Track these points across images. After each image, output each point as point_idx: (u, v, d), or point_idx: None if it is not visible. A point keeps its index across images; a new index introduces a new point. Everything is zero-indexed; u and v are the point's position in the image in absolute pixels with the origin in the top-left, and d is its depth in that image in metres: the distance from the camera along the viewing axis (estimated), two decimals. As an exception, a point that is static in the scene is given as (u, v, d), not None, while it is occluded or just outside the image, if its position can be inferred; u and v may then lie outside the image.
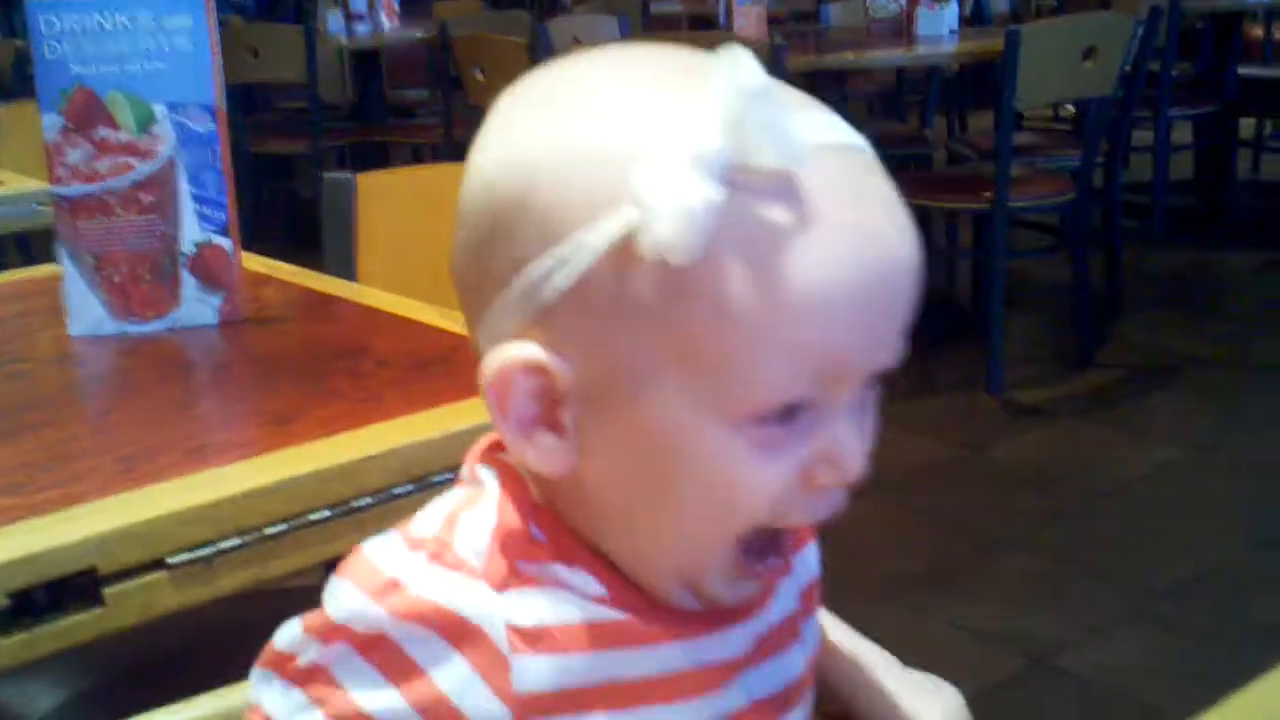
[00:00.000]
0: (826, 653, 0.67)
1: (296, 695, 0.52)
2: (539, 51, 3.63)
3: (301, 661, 0.53)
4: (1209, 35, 4.84)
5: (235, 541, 0.83)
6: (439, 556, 0.53)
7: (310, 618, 0.53)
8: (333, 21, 4.94)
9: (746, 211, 0.47)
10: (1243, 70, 4.69)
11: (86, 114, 1.20)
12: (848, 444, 0.51)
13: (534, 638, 0.52)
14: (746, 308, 0.47)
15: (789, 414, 0.49)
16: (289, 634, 0.54)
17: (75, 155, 1.20)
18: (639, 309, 0.48)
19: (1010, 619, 2.18)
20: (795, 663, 0.60)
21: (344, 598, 0.53)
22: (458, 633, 0.51)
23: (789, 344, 0.48)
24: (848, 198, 0.49)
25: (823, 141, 0.49)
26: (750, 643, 0.58)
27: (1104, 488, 2.72)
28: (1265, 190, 5.17)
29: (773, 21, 4.38)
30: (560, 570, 0.54)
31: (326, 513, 0.87)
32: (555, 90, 0.53)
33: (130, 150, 1.21)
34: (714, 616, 0.56)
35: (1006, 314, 3.22)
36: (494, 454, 0.58)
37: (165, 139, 1.21)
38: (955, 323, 3.71)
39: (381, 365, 1.13)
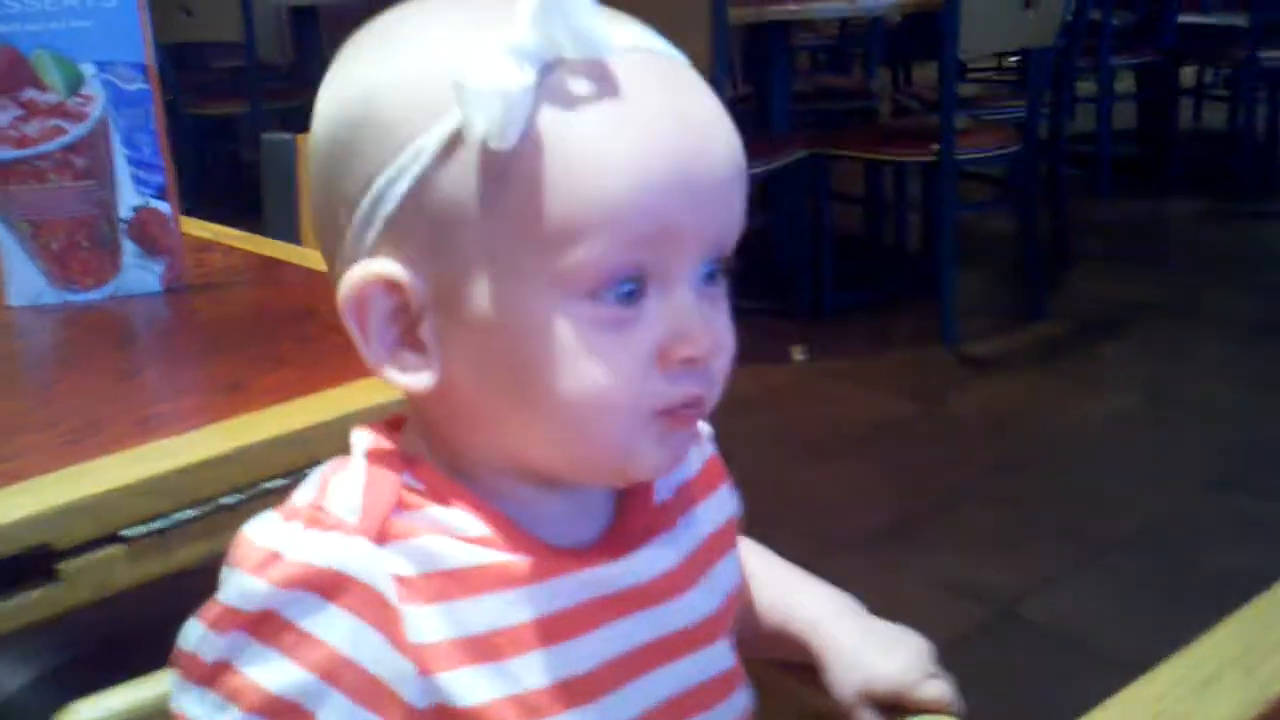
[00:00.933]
0: (788, 610, 0.66)
1: (211, 697, 0.51)
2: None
3: (207, 659, 0.51)
4: (1149, -17, 4.87)
5: (190, 513, 0.81)
6: (315, 521, 0.52)
7: (205, 609, 0.52)
8: (268, -20, 4.83)
9: (561, 94, 0.49)
10: (1182, 18, 4.72)
11: (12, 75, 1.15)
12: (692, 317, 0.52)
13: (420, 587, 0.51)
14: (567, 184, 0.49)
15: (631, 294, 0.51)
16: (191, 632, 0.52)
17: (3, 119, 1.16)
18: (471, 202, 0.49)
19: (971, 570, 2.20)
20: (701, 602, 0.59)
21: (229, 581, 0.51)
22: (333, 587, 0.50)
23: (612, 213, 0.49)
24: (660, 86, 0.51)
25: (636, 45, 0.52)
26: (651, 576, 0.57)
27: (1057, 437, 2.75)
28: (1206, 138, 5.22)
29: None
30: (439, 514, 0.53)
31: (281, 481, 0.85)
32: (389, 28, 0.54)
33: (60, 112, 1.16)
34: (606, 547, 0.56)
35: (957, 267, 3.23)
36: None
37: (95, 100, 1.16)
38: (906, 277, 3.71)
39: (329, 329, 1.10)
